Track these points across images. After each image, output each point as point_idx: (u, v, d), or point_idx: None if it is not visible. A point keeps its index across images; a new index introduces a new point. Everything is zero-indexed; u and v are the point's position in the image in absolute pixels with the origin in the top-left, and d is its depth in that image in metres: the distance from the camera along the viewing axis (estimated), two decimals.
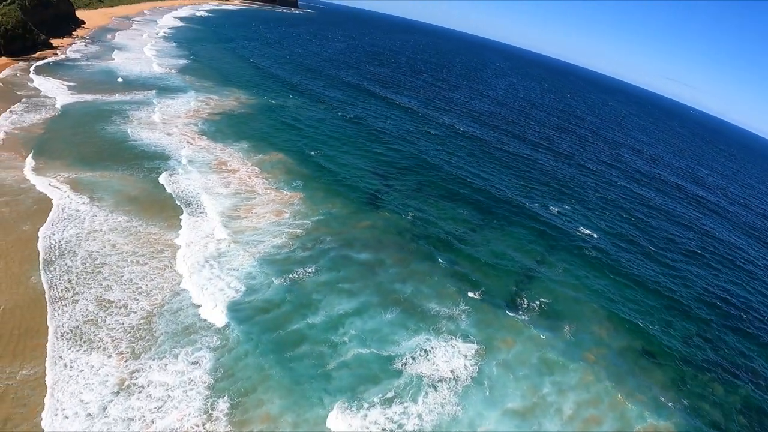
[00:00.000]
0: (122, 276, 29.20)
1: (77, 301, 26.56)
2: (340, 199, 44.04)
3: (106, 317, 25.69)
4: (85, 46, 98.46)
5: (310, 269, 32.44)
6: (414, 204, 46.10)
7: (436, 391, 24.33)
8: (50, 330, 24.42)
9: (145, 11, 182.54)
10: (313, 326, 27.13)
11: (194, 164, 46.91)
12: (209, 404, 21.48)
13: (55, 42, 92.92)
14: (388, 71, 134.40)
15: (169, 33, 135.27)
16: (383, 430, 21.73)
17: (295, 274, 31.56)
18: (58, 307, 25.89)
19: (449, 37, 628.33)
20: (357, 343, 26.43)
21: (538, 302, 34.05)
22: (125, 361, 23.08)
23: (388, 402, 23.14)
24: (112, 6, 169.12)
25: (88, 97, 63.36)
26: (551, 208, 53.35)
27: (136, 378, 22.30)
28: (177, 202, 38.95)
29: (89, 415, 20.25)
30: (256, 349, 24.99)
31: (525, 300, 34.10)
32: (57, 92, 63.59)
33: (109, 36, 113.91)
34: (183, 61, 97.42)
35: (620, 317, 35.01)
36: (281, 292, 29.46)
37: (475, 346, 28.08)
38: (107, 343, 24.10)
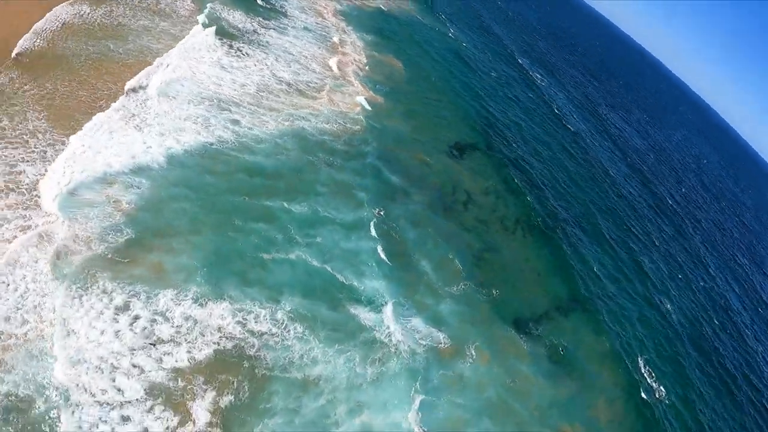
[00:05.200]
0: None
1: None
2: (419, 126, 38.82)
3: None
4: None
5: (332, 163, 28.47)
6: (492, 180, 39.42)
7: (360, 350, 19.74)
8: None
9: None
10: (289, 212, 23.42)
11: (311, 32, 44.33)
12: (118, 230, 18.99)
13: None
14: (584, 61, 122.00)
15: None
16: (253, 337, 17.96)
17: (314, 159, 27.83)
18: None
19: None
20: (318, 253, 22.37)
21: (554, 339, 27.47)
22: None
23: (295, 319, 19.18)
24: None
25: None
26: (654, 249, 44.46)
27: None
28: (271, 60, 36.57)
29: None
30: (206, 200, 21.89)
31: (541, 328, 27.71)
32: None
33: None
34: None
35: (651, 404, 27.66)
36: (283, 168, 25.93)
37: (441, 337, 22.60)
38: None
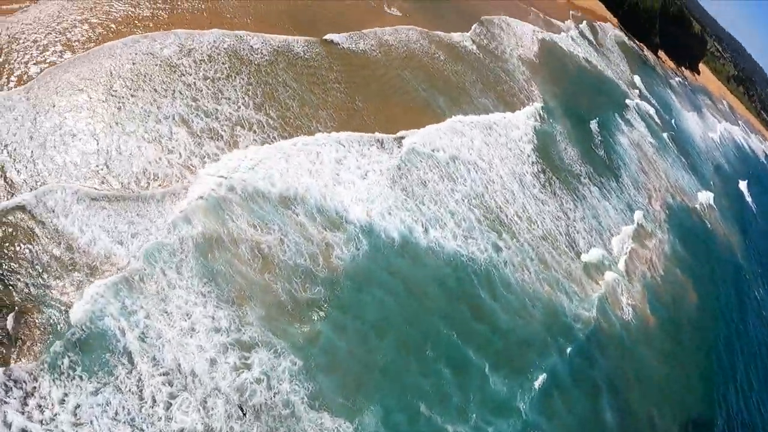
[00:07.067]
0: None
1: None
2: (671, 374, 31.50)
3: None
4: None
5: (562, 353, 24.60)
6: None
7: None
8: None
9: None
10: (484, 380, 20.40)
11: (631, 211, 41.56)
12: (310, 279, 17.72)
13: None
14: None
15: None
16: None
17: (550, 339, 24.56)
18: None
19: None
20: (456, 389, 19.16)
21: None
22: None
23: None
24: None
25: None
26: None
27: None
28: None
29: None
30: (412, 310, 19.77)
31: None
32: None
33: None
34: None
35: None
36: (514, 330, 23.13)
37: None
38: None
